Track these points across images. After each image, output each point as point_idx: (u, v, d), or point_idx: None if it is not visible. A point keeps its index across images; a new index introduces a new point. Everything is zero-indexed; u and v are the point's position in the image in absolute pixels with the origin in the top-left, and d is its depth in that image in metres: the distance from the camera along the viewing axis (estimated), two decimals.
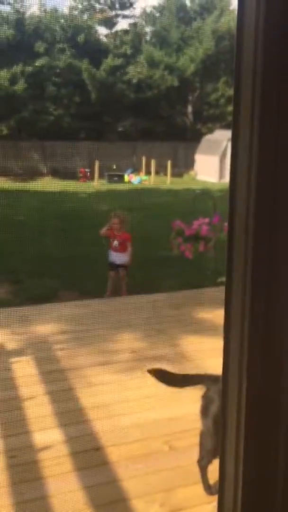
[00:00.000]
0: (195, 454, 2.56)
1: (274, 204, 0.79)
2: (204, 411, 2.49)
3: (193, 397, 2.59)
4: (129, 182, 20.19)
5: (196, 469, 2.53)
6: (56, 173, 21.08)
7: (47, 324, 4.88)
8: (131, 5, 26.68)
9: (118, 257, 6.61)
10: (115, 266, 6.60)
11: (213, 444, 2.44)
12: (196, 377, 2.60)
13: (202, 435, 2.52)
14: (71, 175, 20.15)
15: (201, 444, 2.53)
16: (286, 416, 0.84)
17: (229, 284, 0.87)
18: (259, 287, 0.82)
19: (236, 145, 0.82)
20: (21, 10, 23.94)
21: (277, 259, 0.80)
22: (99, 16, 25.43)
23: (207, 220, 7.22)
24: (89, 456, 2.83)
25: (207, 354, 4.05)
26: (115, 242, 6.60)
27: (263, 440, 0.85)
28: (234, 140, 0.82)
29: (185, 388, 2.71)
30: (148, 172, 20.70)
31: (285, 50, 0.74)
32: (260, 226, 0.80)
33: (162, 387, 3.56)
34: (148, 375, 3.76)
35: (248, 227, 0.81)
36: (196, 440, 2.56)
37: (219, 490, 0.93)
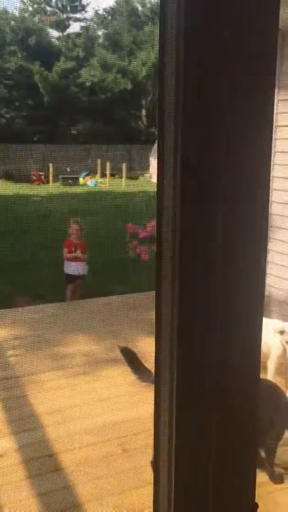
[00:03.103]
0: (149, 455, 2.57)
1: (199, 210, 0.81)
2: None
3: (146, 399, 2.60)
4: (85, 184, 20.07)
5: (150, 470, 2.54)
6: (9, 177, 20.70)
7: (0, 329, 4.78)
8: (82, 8, 26.61)
9: (82, 267, 6.02)
10: (76, 277, 6.00)
11: None
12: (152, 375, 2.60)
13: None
14: (24, 179, 19.84)
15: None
16: (217, 414, 0.86)
17: (159, 289, 0.89)
18: (188, 292, 0.84)
19: (162, 147, 0.84)
20: None
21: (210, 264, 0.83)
22: (50, 18, 25.21)
23: None
24: (42, 463, 2.80)
25: None
26: (78, 252, 5.97)
27: (194, 438, 0.87)
28: (160, 143, 0.84)
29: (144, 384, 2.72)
30: (103, 175, 20.66)
31: (205, 46, 0.76)
32: (186, 230, 0.82)
33: (114, 390, 3.56)
34: (100, 378, 3.76)
35: (175, 230, 0.83)
36: (149, 441, 2.57)
37: (153, 492, 0.95)
